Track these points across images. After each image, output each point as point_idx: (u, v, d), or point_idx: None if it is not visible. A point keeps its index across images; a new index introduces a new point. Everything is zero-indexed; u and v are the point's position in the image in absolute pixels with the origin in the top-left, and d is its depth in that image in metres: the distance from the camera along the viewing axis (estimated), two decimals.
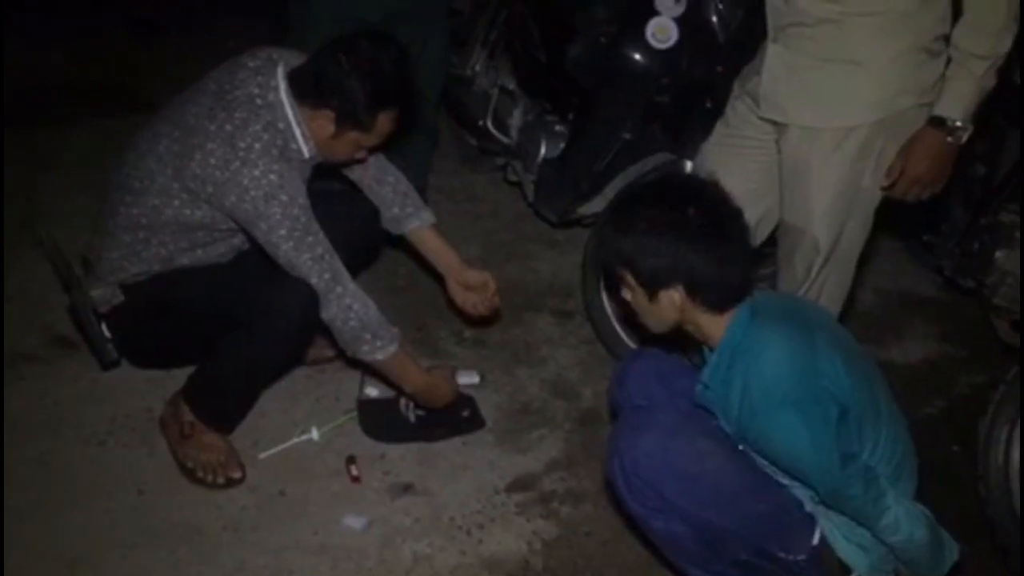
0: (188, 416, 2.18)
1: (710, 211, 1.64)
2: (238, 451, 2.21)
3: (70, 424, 2.28)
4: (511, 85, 3.12)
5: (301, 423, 2.36)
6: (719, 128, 2.19)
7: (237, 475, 2.17)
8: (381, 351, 2.11)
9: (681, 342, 1.95)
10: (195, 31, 4.74)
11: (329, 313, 2.05)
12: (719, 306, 1.67)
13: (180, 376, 2.25)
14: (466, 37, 3.37)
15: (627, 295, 1.74)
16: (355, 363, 2.44)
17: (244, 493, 2.15)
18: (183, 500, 2.12)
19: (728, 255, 1.63)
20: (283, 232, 1.96)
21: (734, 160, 2.10)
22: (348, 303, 2.05)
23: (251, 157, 1.92)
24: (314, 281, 2.00)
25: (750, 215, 1.76)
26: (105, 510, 2.07)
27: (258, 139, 1.94)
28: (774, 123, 2.02)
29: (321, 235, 2.01)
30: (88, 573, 1.93)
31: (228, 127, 1.94)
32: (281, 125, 1.99)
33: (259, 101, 1.98)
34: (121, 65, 4.32)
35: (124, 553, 1.97)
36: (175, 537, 2.02)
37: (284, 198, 1.94)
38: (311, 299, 2.02)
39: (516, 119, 3.08)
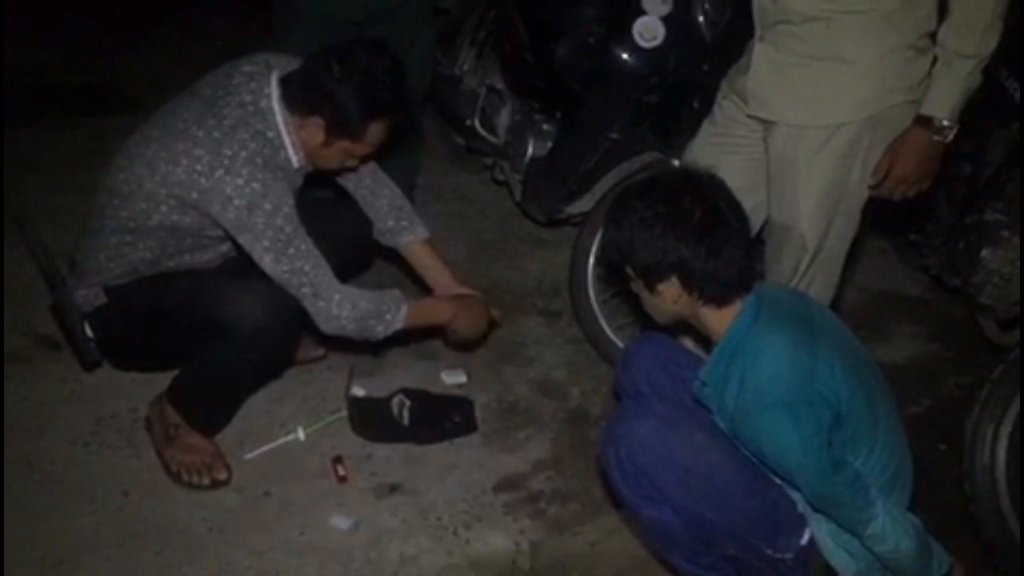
0: (173, 418, 2.17)
1: (704, 204, 1.62)
2: (223, 451, 2.20)
3: (55, 425, 2.27)
4: (499, 84, 3.12)
5: (287, 423, 2.35)
6: (706, 127, 2.19)
7: (222, 476, 2.16)
8: (396, 321, 2.09)
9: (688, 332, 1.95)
10: (184, 32, 4.72)
11: (322, 325, 2.03)
12: (717, 299, 1.66)
13: (165, 377, 2.23)
14: (454, 36, 3.36)
15: (634, 287, 1.74)
16: (342, 363, 2.45)
17: (230, 494, 2.14)
18: (168, 501, 2.11)
19: (721, 248, 1.61)
20: (266, 243, 1.92)
21: (721, 158, 2.09)
22: (335, 313, 2.00)
23: (235, 166, 1.88)
24: (294, 294, 1.97)
25: None
26: (90, 511, 2.05)
27: (244, 147, 1.90)
28: (762, 121, 2.03)
29: (306, 247, 1.96)
30: (72, 574, 1.91)
31: (216, 134, 1.89)
32: (271, 134, 1.95)
33: (250, 108, 1.94)
34: (109, 66, 4.30)
35: (109, 555, 1.96)
36: (160, 538, 2.01)
37: (268, 207, 1.90)
38: (289, 310, 1.98)
39: (504, 118, 3.08)
